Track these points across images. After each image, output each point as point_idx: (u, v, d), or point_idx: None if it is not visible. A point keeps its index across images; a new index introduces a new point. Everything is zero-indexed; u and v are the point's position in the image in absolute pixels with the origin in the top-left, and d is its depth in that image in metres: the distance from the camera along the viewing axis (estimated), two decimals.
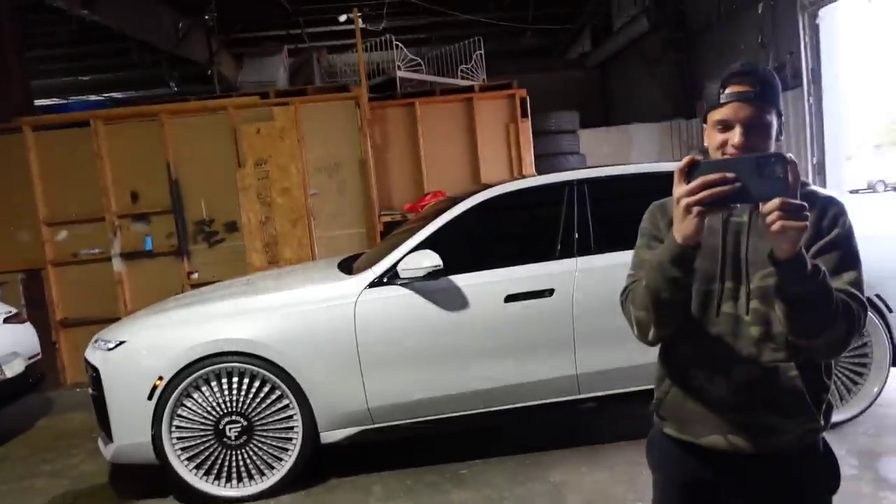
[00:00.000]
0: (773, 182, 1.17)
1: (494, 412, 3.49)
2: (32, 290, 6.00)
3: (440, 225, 3.54)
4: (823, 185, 6.96)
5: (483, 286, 3.42)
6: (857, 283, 1.32)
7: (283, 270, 4.94)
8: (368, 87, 7.56)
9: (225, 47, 12.56)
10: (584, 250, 3.49)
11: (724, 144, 1.35)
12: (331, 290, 3.49)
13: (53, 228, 6.09)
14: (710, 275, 1.39)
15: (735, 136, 1.33)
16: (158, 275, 6.10)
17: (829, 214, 1.36)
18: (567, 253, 3.49)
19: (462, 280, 3.40)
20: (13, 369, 4.50)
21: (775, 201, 1.15)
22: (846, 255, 1.34)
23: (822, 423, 1.40)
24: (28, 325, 4.92)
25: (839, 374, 3.59)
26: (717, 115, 1.36)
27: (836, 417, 3.58)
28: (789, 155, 1.21)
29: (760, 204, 1.19)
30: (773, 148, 1.35)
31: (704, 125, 1.44)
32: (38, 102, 10.35)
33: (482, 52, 8.70)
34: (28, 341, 4.78)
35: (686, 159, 1.24)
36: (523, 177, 5.77)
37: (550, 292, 3.41)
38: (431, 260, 3.31)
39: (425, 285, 3.38)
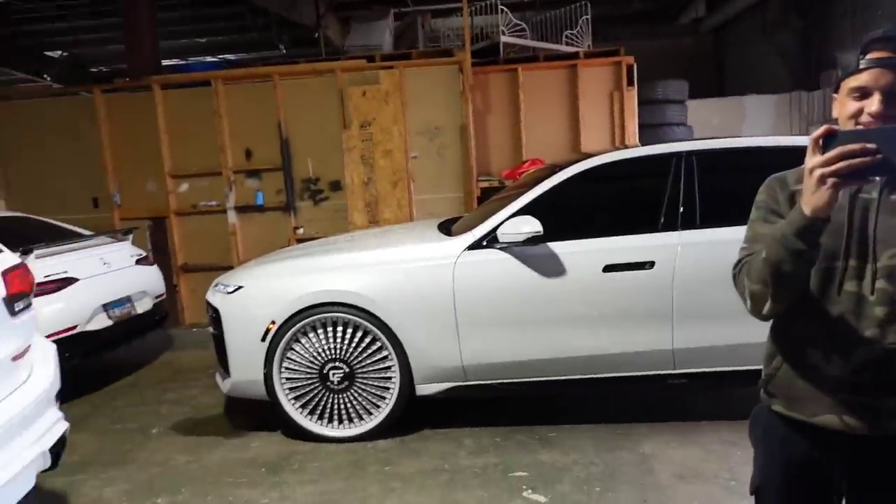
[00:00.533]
0: None
1: (586, 380, 3.52)
2: (157, 236, 6.55)
3: (541, 192, 3.57)
4: None
5: (581, 255, 3.43)
6: None
7: (385, 229, 5.13)
8: (471, 52, 7.57)
9: (332, 11, 12.84)
10: (689, 224, 3.41)
11: (858, 113, 1.30)
12: (432, 250, 3.61)
13: (176, 181, 6.59)
14: (832, 252, 1.34)
15: (873, 103, 1.28)
16: (267, 228, 6.49)
17: None
18: (670, 226, 3.43)
19: (560, 247, 3.43)
20: (143, 306, 4.99)
21: None
22: None
23: None
24: (155, 267, 5.40)
25: None
26: (854, 81, 1.31)
27: None
28: None
29: None
30: None
31: (835, 95, 1.39)
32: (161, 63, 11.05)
33: (588, 17, 8.46)
34: (155, 282, 5.26)
35: (823, 128, 1.20)
36: (626, 147, 5.64)
37: (651, 265, 3.37)
38: (531, 226, 3.35)
39: (524, 250, 3.43)
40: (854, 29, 8.24)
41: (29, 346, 2.67)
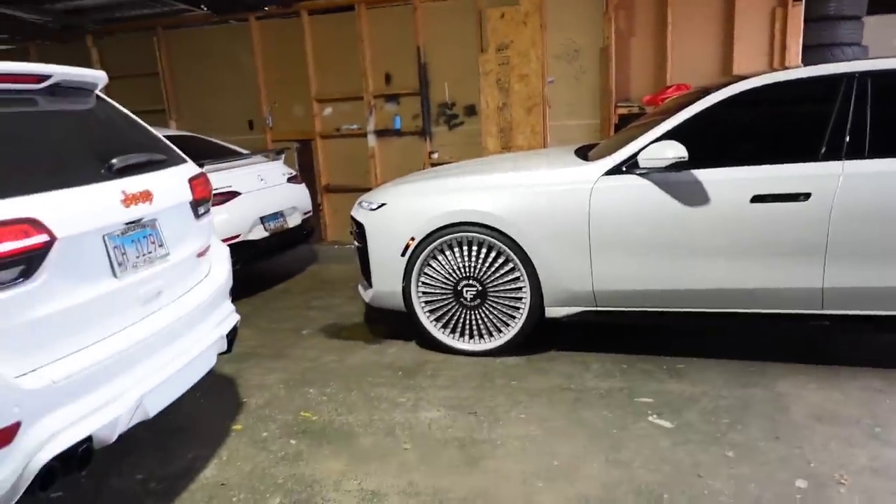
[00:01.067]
0: None
1: (723, 314, 3.43)
2: (304, 157, 7.01)
3: (687, 116, 3.40)
4: None
5: (728, 183, 3.27)
6: None
7: (521, 154, 5.14)
8: None
9: None
10: (855, 154, 3.12)
11: None
12: (568, 174, 3.60)
13: (322, 105, 6.95)
14: None
15: None
16: (404, 152, 6.72)
17: None
18: (833, 155, 3.16)
19: (706, 175, 3.29)
20: (293, 221, 5.44)
21: None
22: None
23: None
24: (303, 186, 5.83)
25: None
26: None
27: None
28: None
29: None
30: None
31: None
32: None
33: None
34: (303, 199, 5.70)
35: None
36: (786, 69, 5.15)
37: (806, 196, 3.15)
38: (676, 150, 3.23)
39: (666, 177, 3.34)
40: None
41: (209, 246, 3.06)
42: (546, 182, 3.64)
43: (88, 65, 7.36)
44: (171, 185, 2.76)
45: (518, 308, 3.68)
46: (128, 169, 2.51)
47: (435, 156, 6.63)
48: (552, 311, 3.65)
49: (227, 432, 3.08)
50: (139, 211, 2.48)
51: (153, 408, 2.41)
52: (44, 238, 2.05)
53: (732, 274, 3.32)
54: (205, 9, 9.21)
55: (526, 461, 2.70)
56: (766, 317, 3.39)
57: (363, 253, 4.00)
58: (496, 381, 3.44)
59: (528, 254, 3.58)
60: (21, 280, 1.99)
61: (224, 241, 4.63)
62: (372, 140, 6.81)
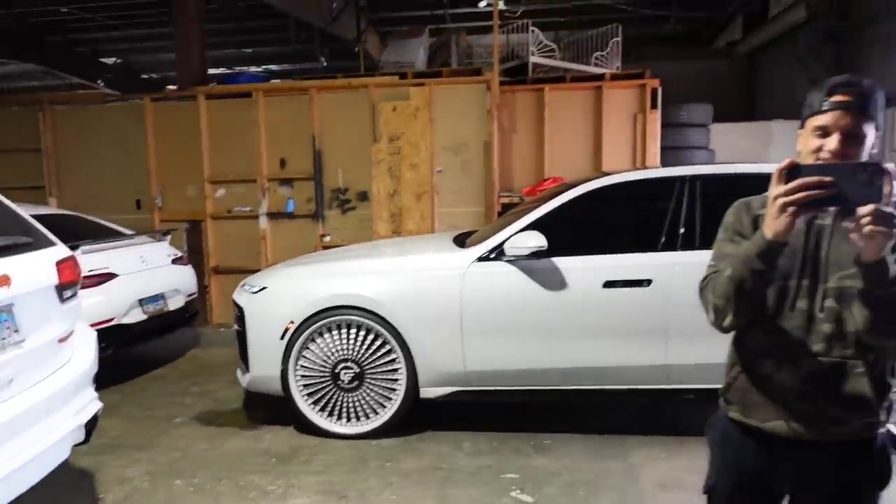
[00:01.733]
0: (869, 190, 1.26)
1: (584, 390, 3.68)
2: (193, 238, 6.92)
3: (549, 209, 3.76)
4: None
5: (583, 270, 3.60)
6: None
7: (403, 239, 5.37)
8: (502, 71, 7.78)
9: (373, 26, 13.26)
10: (688, 245, 3.55)
11: (819, 150, 1.44)
12: (443, 260, 3.83)
13: (214, 186, 6.96)
14: (788, 271, 1.48)
15: (832, 142, 1.42)
16: (296, 235, 6.79)
17: None
18: (670, 246, 3.58)
19: (564, 262, 3.60)
20: (175, 303, 5.31)
21: (869, 207, 1.25)
22: None
23: (883, 418, 1.49)
24: (189, 267, 5.74)
25: None
26: (817, 121, 1.45)
27: None
28: (888, 165, 1.30)
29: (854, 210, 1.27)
30: (864, 158, 1.43)
31: (800, 130, 1.53)
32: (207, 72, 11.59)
33: (619, 39, 8.60)
34: (188, 281, 5.59)
35: (786, 161, 1.35)
36: (645, 168, 5.78)
37: (648, 282, 3.52)
38: (536, 240, 3.54)
39: (529, 264, 3.62)
40: (888, 53, 8.18)
41: (73, 331, 2.97)
42: (422, 268, 3.84)
43: None
44: (34, 268, 2.70)
45: (395, 390, 3.77)
46: None
47: (327, 239, 6.75)
48: (427, 392, 3.76)
49: None
50: None
51: None
52: None
53: (590, 353, 3.60)
54: (101, 84, 9.10)
55: None
56: (628, 392, 3.67)
57: (242, 337, 3.98)
58: (370, 464, 3.46)
59: (404, 336, 3.71)
60: None
61: (97, 324, 4.49)
62: (264, 222, 6.85)
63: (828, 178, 1.28)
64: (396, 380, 3.76)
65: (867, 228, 1.25)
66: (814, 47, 9.42)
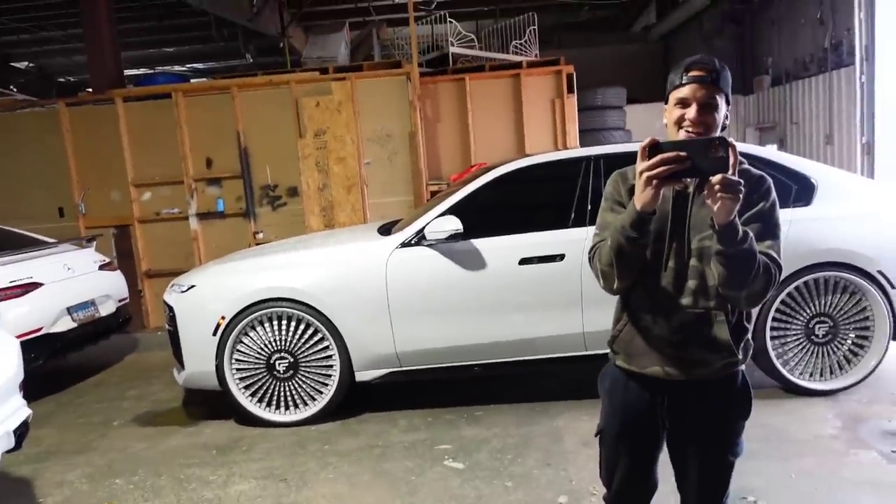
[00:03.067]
0: (718, 161, 1.46)
1: (509, 363, 3.91)
2: (122, 243, 6.83)
3: (465, 194, 3.96)
4: (872, 166, 6.86)
5: (500, 249, 3.82)
6: (776, 248, 1.63)
7: (331, 232, 5.48)
8: (423, 62, 7.94)
9: (296, 21, 13.16)
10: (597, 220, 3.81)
11: (681, 119, 1.64)
12: (367, 249, 3.98)
13: (140, 189, 6.87)
14: (661, 235, 1.69)
15: (691, 111, 1.62)
16: (228, 234, 6.80)
17: (759, 190, 1.66)
18: (579, 222, 3.83)
19: (481, 243, 3.81)
20: (107, 309, 5.27)
21: (717, 177, 1.45)
22: (769, 224, 1.64)
23: (741, 357, 1.72)
24: (119, 272, 5.68)
25: (839, 346, 3.81)
26: (678, 94, 1.65)
27: (832, 385, 3.84)
28: (730, 139, 1.50)
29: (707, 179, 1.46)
30: (720, 128, 1.65)
31: (665, 106, 1.72)
32: (127, 72, 11.27)
33: (535, 27, 8.89)
34: (118, 287, 5.55)
35: (648, 140, 1.52)
36: (566, 149, 6.05)
37: (562, 257, 3.77)
38: (453, 224, 3.74)
39: (449, 247, 3.81)
40: (782, 33, 8.77)
41: None
42: (348, 257, 3.99)
43: None
44: None
45: (330, 376, 3.91)
46: None
47: (260, 236, 6.78)
48: (362, 375, 3.92)
49: None
50: None
51: None
52: None
53: (511, 327, 3.83)
54: (14, 91, 8.78)
55: None
56: (549, 361, 3.92)
57: (175, 336, 4.03)
58: (309, 448, 3.60)
59: (335, 324, 3.85)
60: None
61: (25, 334, 4.45)
62: (194, 223, 6.82)
63: (683, 153, 1.47)
64: (331, 366, 3.90)
65: (718, 195, 1.46)
66: (718, 28, 9.97)
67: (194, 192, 6.82)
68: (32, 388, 3.10)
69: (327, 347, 3.89)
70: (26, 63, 15.58)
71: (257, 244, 6.56)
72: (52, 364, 4.76)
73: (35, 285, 4.68)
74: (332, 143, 6.73)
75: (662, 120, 1.73)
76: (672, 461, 1.86)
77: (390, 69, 7.09)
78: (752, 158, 3.94)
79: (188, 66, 17.15)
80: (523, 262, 3.79)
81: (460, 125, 7.34)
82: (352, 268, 3.92)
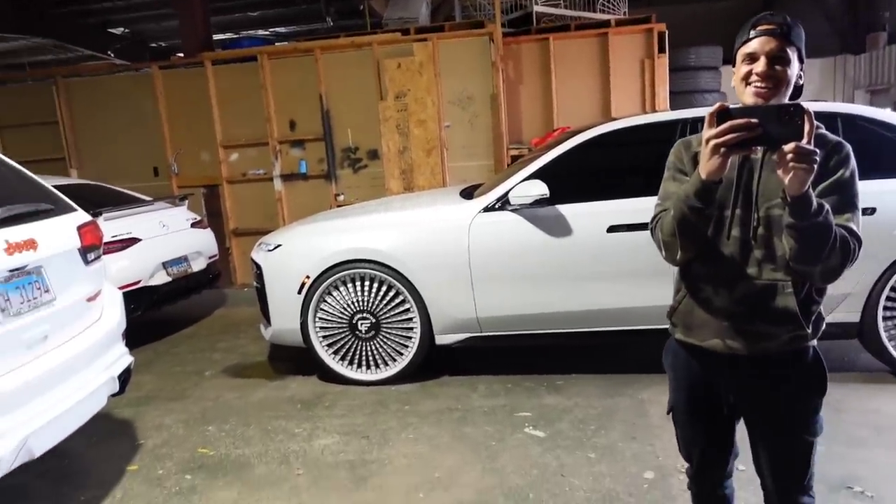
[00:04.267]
0: (791, 129, 1.35)
1: (593, 332, 3.81)
2: (211, 202, 7.09)
3: (551, 158, 3.82)
4: None
5: (587, 216, 3.68)
6: (856, 220, 1.50)
7: (413, 195, 5.47)
8: (506, 22, 7.71)
9: None
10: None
11: (748, 75, 1.53)
12: (450, 213, 3.94)
13: (228, 150, 7.08)
14: (724, 203, 1.58)
15: (760, 65, 1.51)
16: (310, 195, 6.92)
17: (836, 158, 1.52)
18: None
19: (567, 209, 3.69)
20: (198, 265, 5.51)
21: (791, 145, 1.34)
22: (848, 195, 1.51)
23: (810, 332, 1.59)
24: (209, 230, 5.91)
25: None
26: (746, 48, 1.54)
27: None
28: (806, 105, 1.38)
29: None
30: (791, 87, 1.53)
31: (734, 69, 1.61)
32: (214, 37, 11.57)
33: None
34: (209, 244, 5.78)
35: (717, 105, 1.43)
36: (636, 116, 5.76)
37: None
38: (539, 189, 3.63)
39: (533, 212, 3.71)
40: None
41: (100, 291, 3.15)
42: (431, 220, 3.96)
43: None
44: (57, 233, 2.86)
45: (410, 338, 3.93)
46: (11, 219, 2.62)
47: (341, 198, 6.87)
48: (441, 339, 3.92)
49: (121, 473, 3.13)
50: (23, 258, 2.58)
51: (39, 447, 2.48)
52: None
53: (595, 296, 3.72)
54: (111, 55, 9.20)
55: (410, 476, 2.91)
56: (632, 333, 3.79)
57: (262, 293, 4.16)
58: (390, 407, 3.65)
59: (417, 287, 3.85)
60: None
61: (125, 287, 4.69)
62: (278, 184, 6.99)
63: (754, 120, 1.36)
64: (411, 328, 3.92)
65: (790, 164, 1.34)
66: None
67: (278, 154, 6.97)
68: (131, 337, 3.26)
69: (408, 310, 3.91)
70: (122, 29, 16.28)
71: (338, 206, 6.66)
72: (148, 315, 5.02)
73: (134, 240, 4.93)
74: (412, 105, 6.68)
75: (731, 83, 1.62)
76: (750, 442, 1.75)
77: (472, 29, 6.92)
78: (870, 122, 3.61)
79: (271, 30, 17.43)
80: (611, 229, 3.64)
81: (543, 87, 7.11)
82: (434, 231, 3.89)
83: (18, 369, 2.49)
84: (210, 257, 5.74)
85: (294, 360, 4.41)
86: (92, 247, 3.10)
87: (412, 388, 3.90)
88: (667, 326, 3.71)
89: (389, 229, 4.00)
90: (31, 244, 2.64)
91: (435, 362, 4.05)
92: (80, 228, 3.02)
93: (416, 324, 3.90)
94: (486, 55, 6.58)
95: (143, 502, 2.86)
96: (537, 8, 7.89)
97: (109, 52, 15.68)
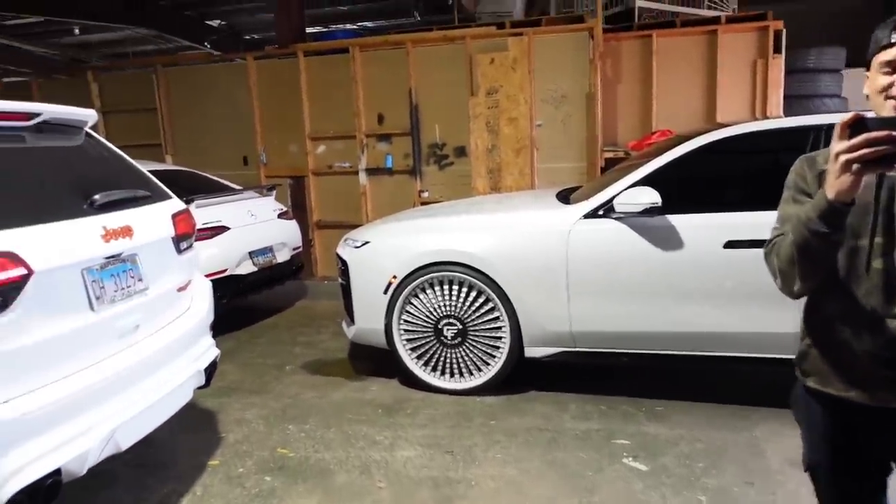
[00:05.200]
0: None
1: (700, 357, 3.47)
2: (296, 194, 7.10)
3: (663, 163, 3.50)
4: None
5: (702, 228, 3.35)
6: None
7: (505, 195, 5.24)
8: (604, 18, 7.35)
9: None
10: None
11: (889, 87, 1.31)
12: (548, 217, 3.68)
13: (315, 142, 7.08)
14: (859, 230, 1.35)
15: None
16: (394, 190, 6.82)
17: None
18: None
19: (680, 220, 3.36)
20: (282, 256, 5.50)
21: None
22: None
23: None
24: (294, 222, 5.90)
25: None
26: (885, 55, 1.32)
27: None
28: None
29: None
30: None
31: (867, 74, 1.39)
32: (305, 31, 11.72)
33: None
34: (293, 235, 5.76)
35: (851, 114, 1.19)
36: (766, 118, 5.30)
37: None
38: (649, 197, 3.32)
39: (641, 221, 3.41)
40: None
41: (190, 281, 3.10)
42: (526, 224, 3.72)
43: (88, 99, 7.51)
44: (153, 221, 2.81)
45: (498, 347, 3.71)
46: (110, 205, 2.57)
47: (425, 195, 6.73)
48: (532, 352, 3.68)
49: (203, 468, 3.07)
50: (119, 246, 2.53)
51: (125, 441, 2.42)
52: (21, 271, 2.10)
53: (707, 317, 3.37)
54: (208, 46, 9.44)
55: (499, 502, 2.69)
56: (746, 360, 3.43)
57: (346, 290, 4.04)
58: (474, 421, 3.45)
59: (508, 294, 3.63)
60: None
61: (211, 275, 4.70)
62: (363, 178, 6.92)
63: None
64: (500, 338, 3.70)
65: None
66: None
67: (365, 148, 6.90)
68: (215, 324, 3.21)
69: (497, 318, 3.69)
70: (218, 21, 16.83)
71: (422, 203, 6.52)
72: (231, 303, 5.03)
73: (223, 229, 4.94)
74: (504, 102, 6.44)
75: (864, 90, 1.39)
76: None
77: (570, 24, 6.61)
78: None
79: (359, 24, 17.60)
80: (729, 245, 3.29)
81: (642, 88, 6.71)
82: (530, 236, 3.65)
83: (110, 359, 2.44)
84: (294, 249, 5.72)
85: (374, 359, 4.28)
86: (185, 236, 3.04)
87: (497, 401, 3.69)
88: (786, 356, 3.33)
89: (482, 232, 3.79)
90: (127, 231, 2.59)
91: (521, 375, 3.81)
92: (174, 217, 2.97)
93: (506, 333, 3.68)
94: (583, 51, 6.25)
95: (222, 501, 2.78)
96: (639, 3, 7.48)
97: (206, 44, 16.25)
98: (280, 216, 5.64)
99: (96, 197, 2.53)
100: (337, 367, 4.36)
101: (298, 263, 5.79)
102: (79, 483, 2.21)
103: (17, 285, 2.09)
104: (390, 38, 7.25)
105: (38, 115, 2.55)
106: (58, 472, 2.12)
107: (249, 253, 5.11)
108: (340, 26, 17.34)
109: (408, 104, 6.72)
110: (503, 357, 3.70)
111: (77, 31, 10.59)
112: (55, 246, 2.26)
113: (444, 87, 6.60)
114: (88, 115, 2.88)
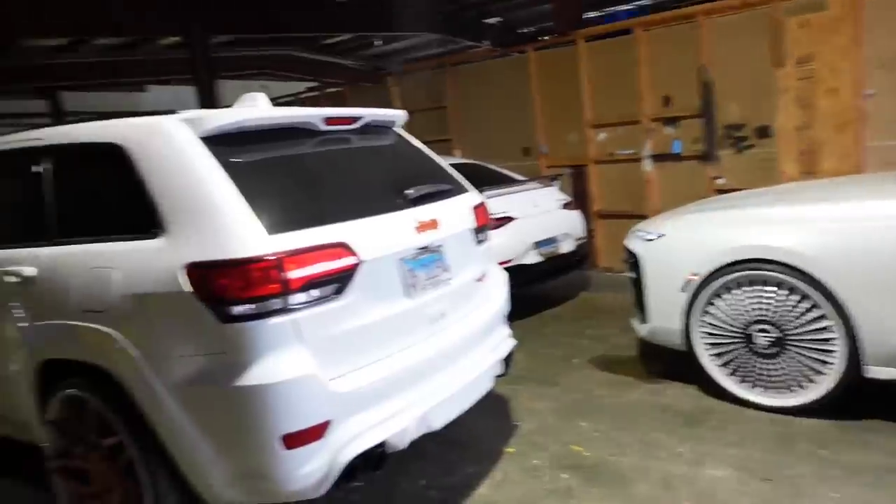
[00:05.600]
0: None
1: None
2: (577, 183, 6.99)
3: None
4: None
5: None
6: None
7: (828, 181, 4.44)
8: None
9: None
10: None
11: None
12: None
13: (596, 130, 6.88)
14: None
15: None
16: (683, 178, 6.29)
17: None
18: None
19: None
20: (566, 246, 5.45)
21: None
22: None
23: None
24: (578, 212, 5.81)
25: None
26: None
27: None
28: None
29: None
30: None
31: None
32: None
33: None
34: (576, 225, 5.68)
35: None
36: None
37: None
38: None
39: None
40: None
41: (487, 272, 3.17)
42: (867, 216, 3.06)
43: (389, 102, 8.37)
44: (455, 213, 2.93)
45: (827, 363, 3.12)
46: (420, 198, 2.72)
47: (720, 182, 6.07)
48: (876, 371, 3.01)
49: (500, 453, 3.15)
50: (428, 237, 2.66)
51: (438, 421, 2.55)
52: (352, 260, 2.31)
53: None
54: (487, 44, 9.88)
55: None
56: None
57: (637, 285, 3.80)
58: (797, 447, 2.95)
59: (841, 300, 3.02)
60: (334, 296, 2.26)
61: (499, 264, 4.83)
62: (648, 165, 6.51)
63: None
64: (831, 351, 3.10)
65: None
66: None
67: (649, 133, 6.48)
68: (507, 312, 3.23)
69: (826, 329, 3.10)
70: (496, 18, 17.57)
71: (717, 191, 5.89)
72: (516, 293, 5.10)
73: (509, 219, 5.05)
74: (820, 71, 5.47)
75: None
76: None
77: None
78: None
79: (634, 3, 16.82)
80: None
81: None
82: (873, 230, 2.98)
83: (422, 344, 2.59)
84: (577, 239, 5.63)
85: (666, 360, 3.95)
86: (483, 227, 3.12)
87: (826, 426, 3.10)
88: None
89: (804, 224, 3.21)
90: (434, 224, 2.72)
91: (858, 398, 3.15)
92: (473, 209, 3.06)
93: (838, 347, 3.07)
94: None
95: (520, 491, 2.81)
96: None
97: (484, 41, 17.11)
98: (564, 206, 5.60)
99: (409, 191, 2.71)
100: (627, 366, 4.14)
101: (582, 254, 5.70)
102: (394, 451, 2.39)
103: (349, 273, 2.31)
104: (678, 13, 6.67)
105: (361, 118, 2.81)
106: (383, 444, 2.31)
107: (535, 243, 5.15)
108: (615, 8, 16.77)
109: (697, 83, 6.11)
110: (834, 374, 3.10)
111: (379, 42, 11.92)
112: (378, 237, 2.46)
113: (741, 61, 5.86)
114: (399, 116, 3.11)
